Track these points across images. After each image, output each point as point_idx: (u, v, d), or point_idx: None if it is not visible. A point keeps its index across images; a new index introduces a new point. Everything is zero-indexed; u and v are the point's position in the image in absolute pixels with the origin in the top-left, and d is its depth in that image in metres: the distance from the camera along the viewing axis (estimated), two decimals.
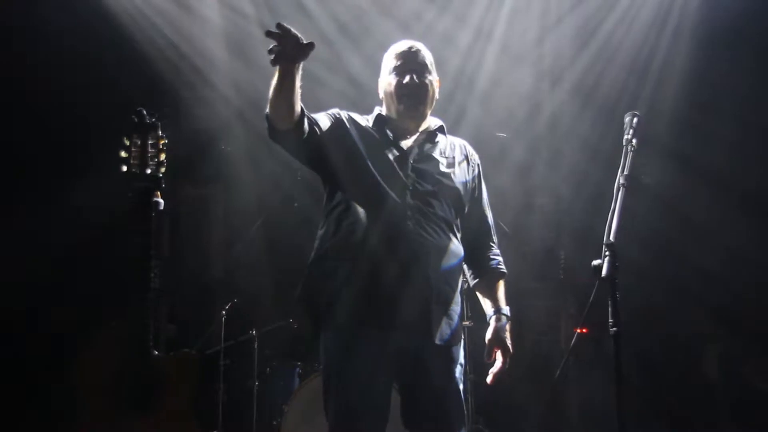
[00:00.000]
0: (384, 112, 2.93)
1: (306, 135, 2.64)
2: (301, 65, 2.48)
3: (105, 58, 5.12)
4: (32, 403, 4.62)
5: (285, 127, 2.60)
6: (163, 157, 3.07)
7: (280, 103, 2.54)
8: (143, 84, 5.33)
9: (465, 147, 3.02)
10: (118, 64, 5.20)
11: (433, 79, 2.90)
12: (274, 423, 4.71)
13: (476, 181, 3.00)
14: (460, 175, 2.90)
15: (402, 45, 2.93)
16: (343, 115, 2.84)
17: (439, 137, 2.94)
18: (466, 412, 2.78)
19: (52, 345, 4.21)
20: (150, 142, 3.06)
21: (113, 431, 2.91)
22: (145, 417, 2.94)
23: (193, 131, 5.88)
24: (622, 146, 2.49)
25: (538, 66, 5.82)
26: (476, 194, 3.00)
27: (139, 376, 2.93)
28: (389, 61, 2.91)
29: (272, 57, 2.40)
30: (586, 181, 5.45)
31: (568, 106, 5.74)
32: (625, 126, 2.54)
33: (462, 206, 2.89)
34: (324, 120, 2.76)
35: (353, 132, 2.81)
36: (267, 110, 2.59)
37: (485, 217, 3.03)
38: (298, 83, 2.51)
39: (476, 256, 2.98)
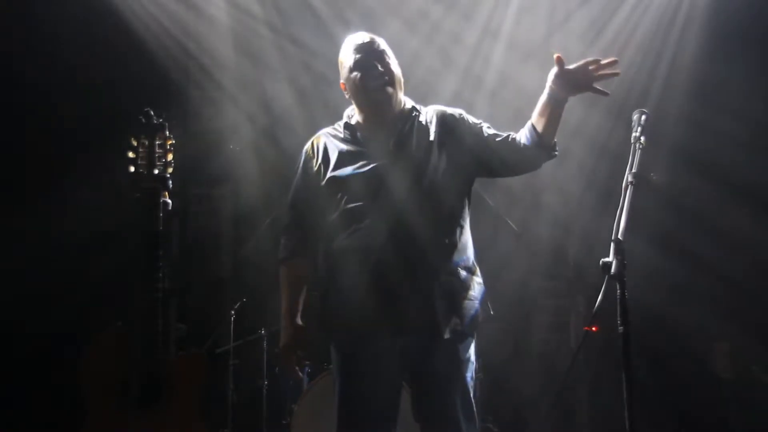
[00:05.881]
0: (353, 118, 2.88)
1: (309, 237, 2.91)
2: None
3: (112, 59, 5.13)
4: (40, 404, 4.63)
5: None
6: (170, 157, 3.08)
7: None
8: (150, 84, 5.34)
9: (441, 114, 2.88)
10: (125, 64, 5.21)
11: (395, 63, 2.84)
12: (284, 422, 4.71)
13: (466, 129, 2.84)
14: (443, 147, 2.79)
15: (355, 39, 2.87)
16: (306, 157, 2.90)
17: (414, 116, 2.85)
18: (475, 409, 2.76)
19: (60, 345, 4.21)
20: (158, 142, 3.07)
21: None
22: (155, 417, 2.94)
23: (201, 131, 5.89)
24: (630, 144, 2.48)
25: (546, 64, 5.78)
26: (476, 134, 2.83)
27: (148, 376, 2.94)
28: (348, 58, 2.84)
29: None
30: (595, 178, 5.42)
31: (576, 103, 5.69)
32: (633, 123, 2.53)
33: (457, 179, 2.79)
34: (300, 209, 2.92)
35: (324, 161, 2.83)
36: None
37: (497, 135, 2.84)
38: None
39: (516, 144, 2.85)
